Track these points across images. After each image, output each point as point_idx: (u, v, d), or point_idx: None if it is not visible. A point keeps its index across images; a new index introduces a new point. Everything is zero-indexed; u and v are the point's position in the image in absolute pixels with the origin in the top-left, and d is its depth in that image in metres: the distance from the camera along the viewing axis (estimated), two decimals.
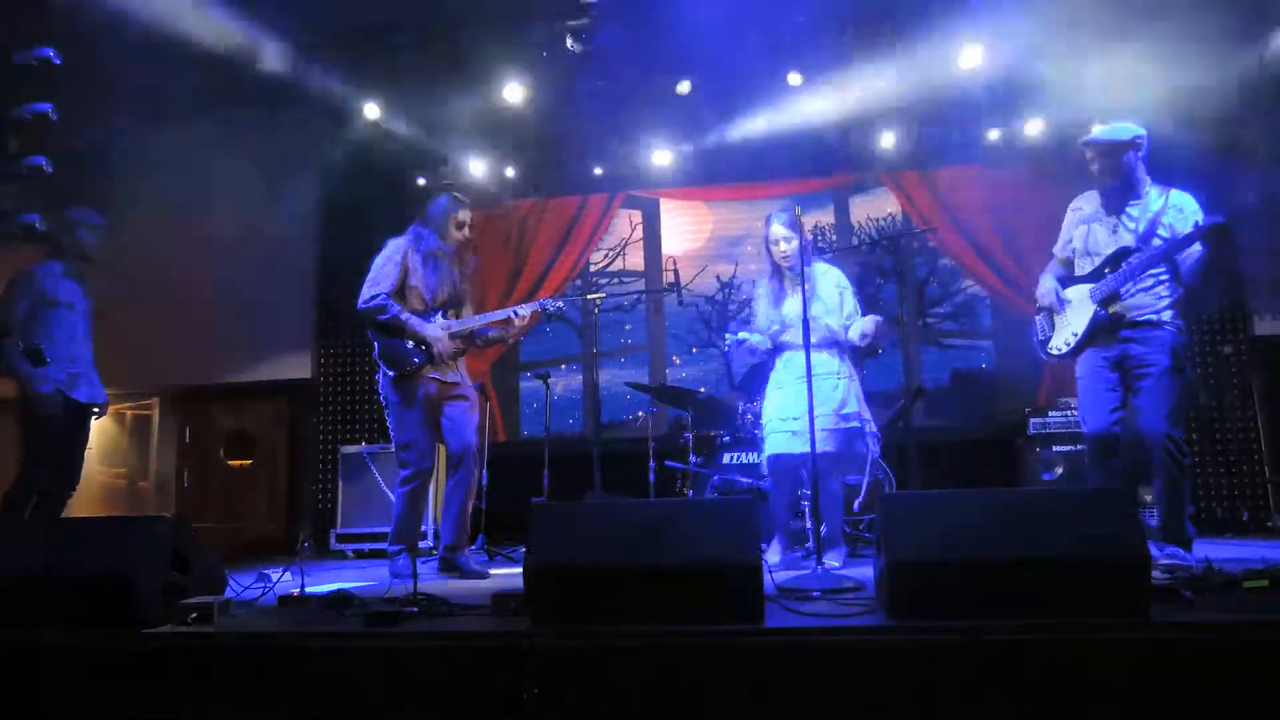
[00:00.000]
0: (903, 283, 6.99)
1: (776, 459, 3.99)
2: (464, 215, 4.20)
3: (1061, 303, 3.79)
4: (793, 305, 3.97)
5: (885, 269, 7.03)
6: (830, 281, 4.04)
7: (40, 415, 4.16)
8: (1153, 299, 3.59)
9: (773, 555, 3.97)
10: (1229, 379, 6.36)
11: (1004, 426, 6.42)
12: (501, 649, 2.32)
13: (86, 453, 4.54)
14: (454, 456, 4.15)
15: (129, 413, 7.56)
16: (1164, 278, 3.60)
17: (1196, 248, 3.52)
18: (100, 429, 7.15)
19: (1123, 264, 3.63)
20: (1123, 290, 3.62)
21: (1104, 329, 3.65)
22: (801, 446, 3.74)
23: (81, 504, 6.00)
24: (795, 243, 3.87)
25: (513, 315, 4.20)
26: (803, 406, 3.71)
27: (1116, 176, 3.67)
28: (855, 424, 3.92)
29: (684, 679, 2.23)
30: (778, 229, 3.98)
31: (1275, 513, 5.84)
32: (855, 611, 2.51)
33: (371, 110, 6.52)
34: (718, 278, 7.30)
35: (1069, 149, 6.32)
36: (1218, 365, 6.35)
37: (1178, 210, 3.60)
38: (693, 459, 5.43)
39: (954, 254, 6.99)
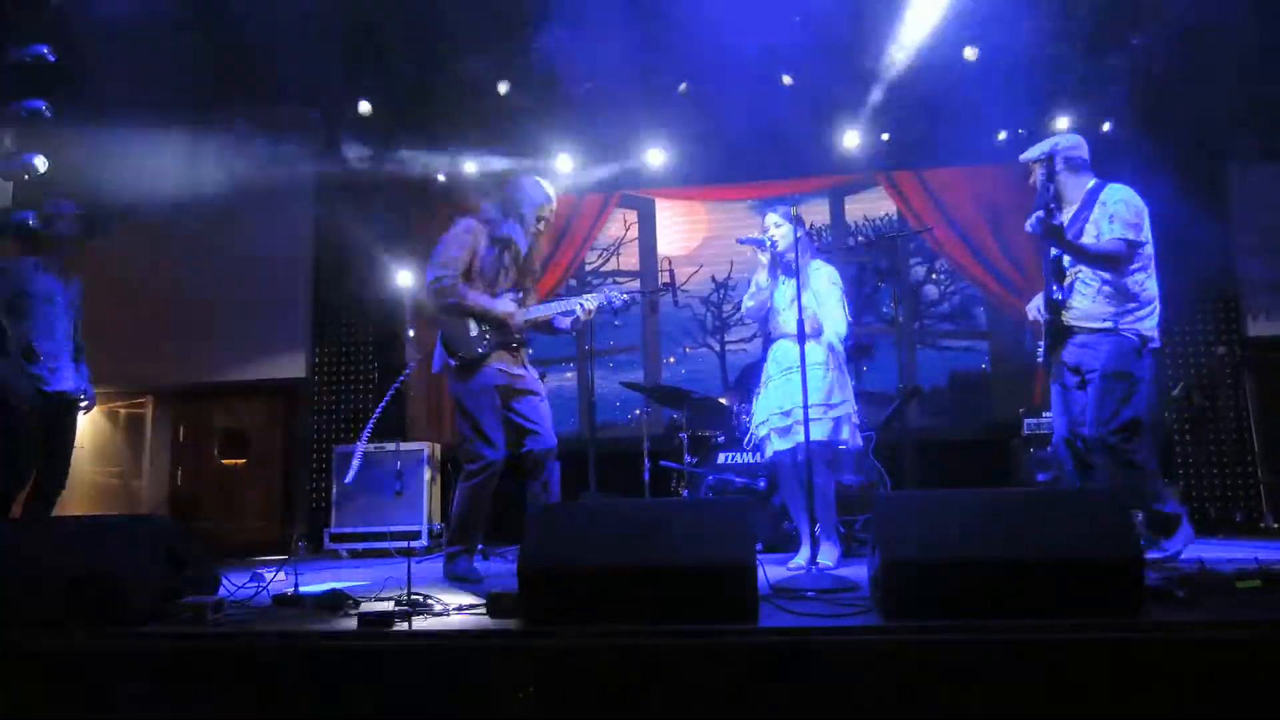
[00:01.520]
0: (898, 283, 7.00)
1: (775, 459, 3.97)
2: (547, 210, 4.04)
3: (1040, 313, 3.88)
4: (783, 293, 3.99)
5: (881, 269, 7.04)
6: (824, 276, 4.03)
7: (11, 408, 4.11)
8: (1100, 304, 3.61)
9: (800, 559, 3.83)
10: (1222, 379, 6.38)
11: (999, 427, 6.44)
12: (496, 649, 2.32)
13: (78, 451, 4.50)
14: (535, 457, 3.92)
15: (122, 411, 7.53)
16: (1107, 279, 3.60)
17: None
18: (93, 427, 7.15)
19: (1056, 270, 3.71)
20: (1056, 294, 3.68)
21: (1057, 335, 3.71)
22: (792, 441, 3.78)
23: (74, 503, 5.99)
24: (784, 228, 3.93)
25: (579, 308, 4.05)
26: (791, 401, 3.77)
27: (1044, 189, 3.73)
28: (842, 414, 3.87)
29: (678, 679, 2.23)
30: (770, 216, 4.04)
31: (1268, 513, 5.86)
32: (850, 612, 2.51)
33: (366, 111, 6.52)
34: (713, 278, 7.31)
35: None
36: (1211, 365, 6.36)
37: (1102, 205, 3.64)
38: (688, 459, 5.43)
39: (949, 254, 7.00)
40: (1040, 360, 3.87)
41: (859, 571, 3.21)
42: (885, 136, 6.78)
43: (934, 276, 7.16)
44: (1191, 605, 2.44)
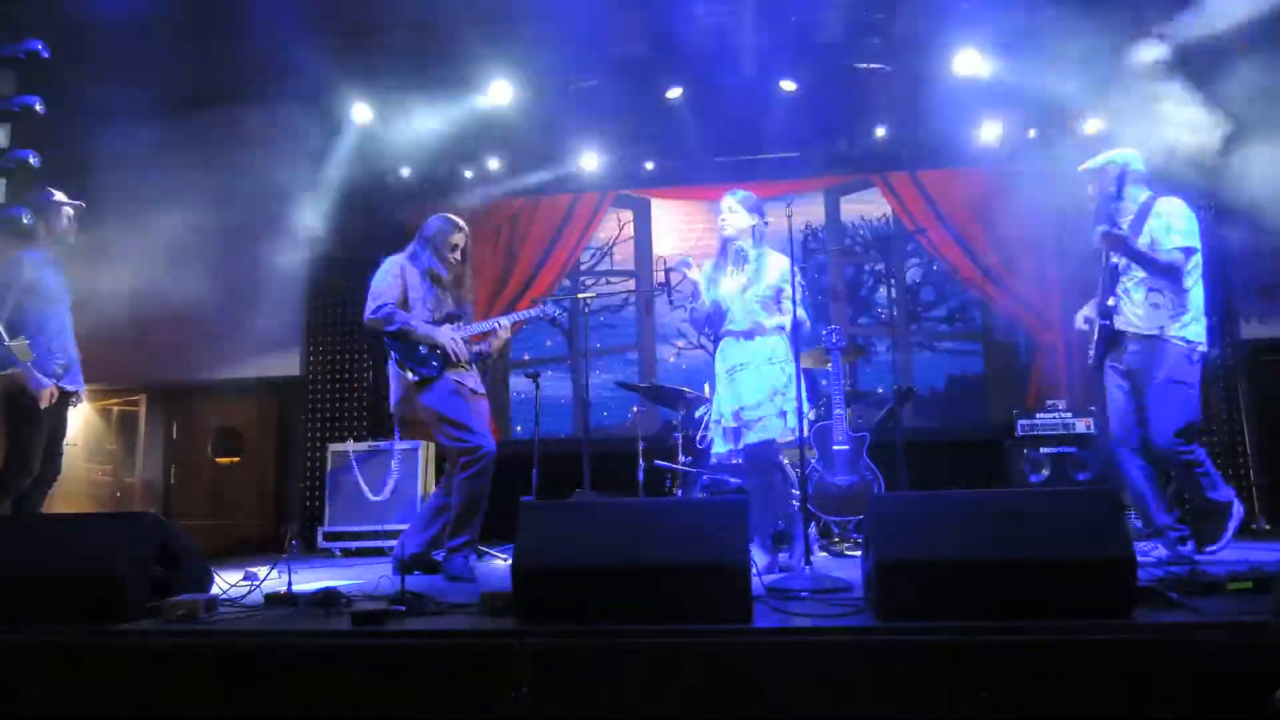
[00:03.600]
0: (893, 284, 7.01)
1: (718, 460, 3.94)
2: (457, 238, 4.20)
3: (1088, 320, 4.07)
4: (729, 285, 3.85)
5: (878, 270, 7.05)
6: (776, 269, 3.85)
7: (31, 408, 4.10)
8: (1148, 311, 3.79)
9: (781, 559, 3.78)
10: (1216, 382, 6.40)
11: (992, 428, 6.45)
12: (489, 648, 2.32)
13: (72, 448, 4.48)
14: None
15: (116, 409, 7.51)
16: (1164, 289, 3.75)
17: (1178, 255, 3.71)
18: (86, 425, 7.13)
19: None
20: (1114, 300, 3.86)
21: (1110, 339, 3.91)
22: (743, 443, 3.72)
23: (67, 501, 5.97)
24: (739, 215, 3.84)
25: (498, 325, 4.25)
26: (739, 401, 3.72)
27: (1098, 200, 3.93)
28: (790, 407, 3.68)
29: (671, 679, 2.23)
30: (727, 200, 3.89)
31: (1260, 515, 5.88)
32: (843, 612, 2.51)
33: (362, 111, 6.51)
34: None
35: (1057, 152, 6.41)
36: (1204, 368, 6.38)
37: (1157, 216, 3.78)
38: (682, 459, 5.43)
39: (944, 256, 7.02)
40: (1091, 363, 4.03)
41: (853, 572, 3.22)
42: (882, 138, 6.78)
43: (927, 282, 7.16)
44: (1183, 607, 2.44)
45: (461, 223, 4.28)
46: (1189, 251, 3.72)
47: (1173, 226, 3.74)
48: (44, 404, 4.10)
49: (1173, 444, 3.71)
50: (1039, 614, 2.27)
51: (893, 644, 2.23)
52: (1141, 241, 3.76)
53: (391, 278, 4.11)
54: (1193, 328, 3.77)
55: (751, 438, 3.70)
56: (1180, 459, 3.73)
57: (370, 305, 4.09)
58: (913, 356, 7.06)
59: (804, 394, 3.70)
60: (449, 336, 4.08)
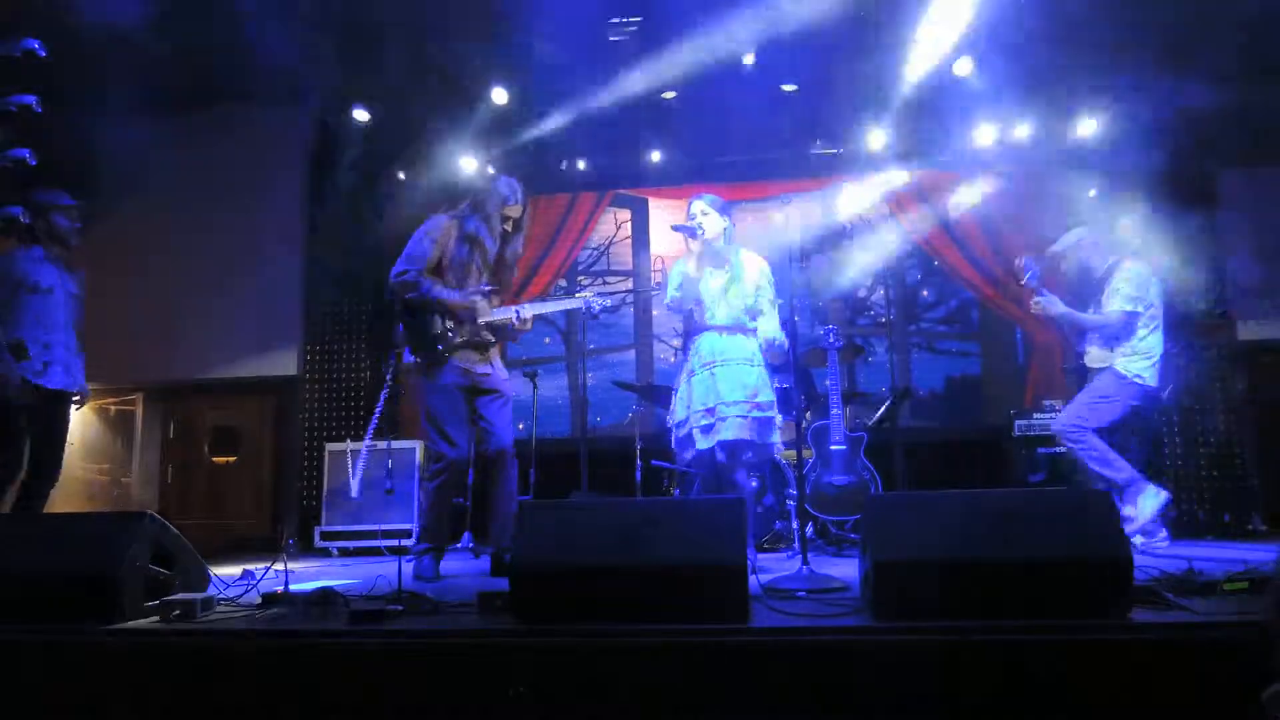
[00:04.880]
0: (891, 285, 7.01)
1: (697, 457, 3.86)
2: (513, 208, 3.96)
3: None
4: (711, 285, 3.88)
5: (876, 271, 7.05)
6: (754, 268, 3.92)
7: (4, 401, 4.08)
8: (1103, 350, 4.52)
9: None
10: (1212, 383, 6.41)
11: (990, 428, 6.46)
12: (486, 647, 2.32)
13: (68, 447, 4.48)
14: (490, 458, 3.91)
15: (113, 407, 7.50)
16: (1113, 335, 4.48)
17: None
18: (83, 424, 7.12)
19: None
20: (1079, 345, 4.69)
21: (1084, 376, 4.70)
22: (714, 440, 3.70)
23: (64, 500, 5.96)
24: (712, 216, 3.86)
25: (515, 315, 3.95)
26: (715, 397, 3.71)
27: (1074, 272, 4.72)
28: (770, 414, 3.78)
29: (669, 679, 2.23)
30: (697, 204, 3.90)
31: (1256, 515, 5.89)
32: (840, 612, 2.51)
33: (359, 111, 6.51)
34: None
35: (1055, 154, 6.43)
36: (1201, 369, 6.39)
37: (1113, 280, 4.49)
38: (679, 459, 5.43)
39: (942, 256, 7.02)
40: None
41: (850, 572, 3.22)
42: (881, 139, 6.79)
43: (926, 282, 7.16)
44: (1179, 607, 2.44)
45: (521, 192, 3.99)
46: (1130, 315, 4.38)
47: (1119, 290, 4.41)
48: (6, 396, 4.05)
49: (1063, 425, 4.44)
50: (1035, 614, 2.27)
51: (890, 644, 2.23)
52: (1104, 299, 4.50)
53: (429, 241, 3.88)
54: (1138, 364, 4.38)
55: (725, 435, 3.68)
56: (1069, 441, 4.41)
57: (397, 267, 3.86)
58: (910, 357, 7.06)
59: (773, 396, 3.78)
60: (475, 299, 3.85)
